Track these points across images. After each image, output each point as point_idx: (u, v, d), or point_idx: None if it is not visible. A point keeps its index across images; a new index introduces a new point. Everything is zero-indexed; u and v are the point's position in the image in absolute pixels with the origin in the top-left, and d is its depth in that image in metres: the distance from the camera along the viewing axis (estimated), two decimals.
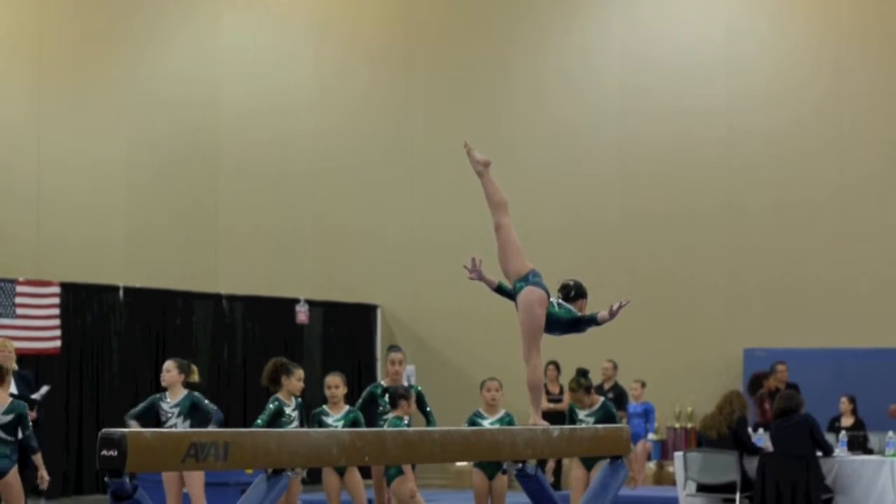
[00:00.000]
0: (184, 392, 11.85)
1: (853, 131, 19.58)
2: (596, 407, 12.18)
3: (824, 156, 19.63)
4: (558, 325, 8.17)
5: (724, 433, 13.65)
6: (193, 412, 11.80)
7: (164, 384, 11.88)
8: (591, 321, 8.17)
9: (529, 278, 8.08)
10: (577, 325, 8.21)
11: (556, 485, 16.67)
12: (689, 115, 20.17)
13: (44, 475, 11.38)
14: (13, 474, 11.09)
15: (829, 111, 19.66)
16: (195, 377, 12.05)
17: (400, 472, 11.63)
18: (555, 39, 21.11)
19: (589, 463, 12.10)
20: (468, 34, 21.53)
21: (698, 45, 20.34)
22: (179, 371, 11.91)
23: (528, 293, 8.02)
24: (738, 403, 13.83)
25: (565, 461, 15.36)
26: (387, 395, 12.00)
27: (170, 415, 11.79)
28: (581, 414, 12.15)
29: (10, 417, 11.05)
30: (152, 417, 11.93)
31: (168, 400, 11.84)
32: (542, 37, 21.07)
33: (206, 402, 11.89)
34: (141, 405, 11.97)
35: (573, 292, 8.39)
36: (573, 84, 20.89)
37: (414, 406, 11.94)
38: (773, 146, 19.82)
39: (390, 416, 11.77)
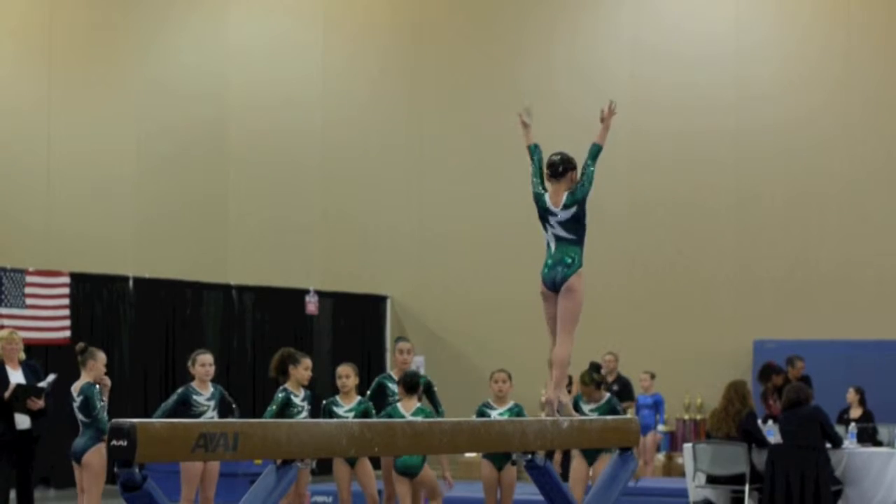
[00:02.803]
0: (211, 384, 11.84)
1: (863, 122, 19.53)
2: (602, 402, 12.11)
3: (834, 147, 19.59)
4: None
5: (734, 434, 13.58)
6: (221, 404, 11.80)
7: (204, 378, 11.77)
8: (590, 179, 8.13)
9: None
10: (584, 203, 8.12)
11: (564, 477, 16.62)
12: (699, 106, 20.14)
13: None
14: (91, 455, 11.07)
15: (839, 102, 19.62)
16: None
17: (425, 460, 11.54)
18: (565, 31, 21.07)
19: (591, 456, 12.08)
20: (478, 26, 21.50)
21: (708, 36, 20.31)
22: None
23: (577, 282, 7.98)
24: (740, 396, 13.70)
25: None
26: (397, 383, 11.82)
27: (206, 407, 11.73)
28: (586, 409, 12.07)
29: (80, 399, 11.17)
30: (179, 410, 11.82)
31: (202, 392, 11.77)
32: (552, 28, 21.04)
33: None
34: (171, 401, 11.73)
35: (561, 167, 8.28)
36: (583, 75, 20.85)
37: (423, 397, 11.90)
38: (782, 137, 19.79)
39: (411, 404, 11.51)
